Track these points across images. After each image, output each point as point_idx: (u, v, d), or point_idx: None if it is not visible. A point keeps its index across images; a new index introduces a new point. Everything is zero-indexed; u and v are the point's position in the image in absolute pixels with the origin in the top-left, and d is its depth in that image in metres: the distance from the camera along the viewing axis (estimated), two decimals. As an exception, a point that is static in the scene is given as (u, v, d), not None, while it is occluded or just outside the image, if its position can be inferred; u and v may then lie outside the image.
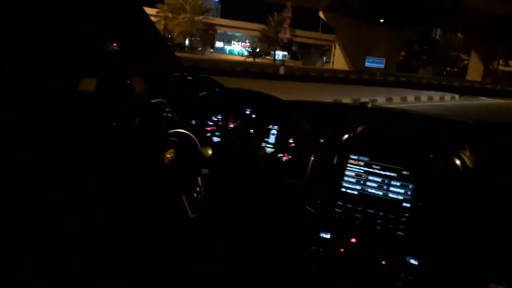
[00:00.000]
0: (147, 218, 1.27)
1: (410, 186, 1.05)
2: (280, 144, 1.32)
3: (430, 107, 10.95)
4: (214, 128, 1.39)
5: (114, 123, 1.27)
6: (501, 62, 38.23)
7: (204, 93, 1.41)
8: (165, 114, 1.34)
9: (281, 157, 1.31)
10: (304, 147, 1.25)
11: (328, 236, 1.08)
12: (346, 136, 1.17)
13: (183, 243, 1.32)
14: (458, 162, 1.04)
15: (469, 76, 36.25)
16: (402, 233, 1.02)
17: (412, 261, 1.00)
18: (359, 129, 1.25)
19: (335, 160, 1.14)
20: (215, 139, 1.38)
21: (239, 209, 1.29)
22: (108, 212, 1.25)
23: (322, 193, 1.13)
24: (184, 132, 1.22)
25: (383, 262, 1.01)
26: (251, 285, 1.23)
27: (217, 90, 1.42)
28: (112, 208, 1.26)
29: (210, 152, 1.23)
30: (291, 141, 1.30)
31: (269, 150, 1.33)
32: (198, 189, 1.26)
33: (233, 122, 1.37)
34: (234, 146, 1.34)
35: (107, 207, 1.26)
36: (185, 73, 1.41)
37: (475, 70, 36.93)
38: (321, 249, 1.07)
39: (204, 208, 1.27)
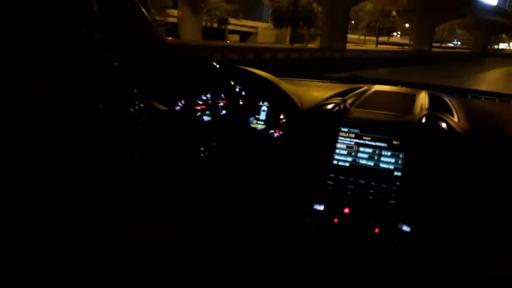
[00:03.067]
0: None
1: (401, 155, 1.06)
2: (271, 121, 1.31)
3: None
4: (204, 107, 1.38)
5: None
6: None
7: (192, 71, 1.38)
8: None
9: (272, 133, 1.31)
10: (295, 122, 1.25)
11: (321, 207, 1.09)
12: (336, 108, 1.18)
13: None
14: (445, 126, 1.05)
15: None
16: (393, 202, 1.04)
17: (405, 228, 1.03)
18: (348, 101, 1.25)
19: (326, 134, 1.14)
20: (206, 118, 1.37)
21: (233, 186, 1.29)
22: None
23: (314, 166, 1.14)
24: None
25: (376, 230, 1.03)
26: (246, 260, 1.25)
27: (205, 68, 1.40)
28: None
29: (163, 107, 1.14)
30: (282, 117, 1.30)
31: (260, 127, 1.33)
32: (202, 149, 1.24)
33: (223, 100, 1.36)
34: (225, 124, 1.34)
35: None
36: (170, 50, 1.37)
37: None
38: (315, 221, 1.09)
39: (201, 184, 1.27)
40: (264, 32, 37.86)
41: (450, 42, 71.23)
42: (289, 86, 1.35)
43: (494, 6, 46.96)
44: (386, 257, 1.01)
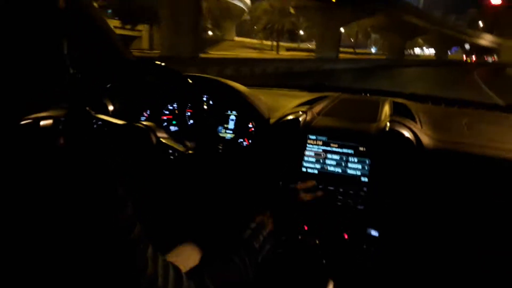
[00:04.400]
0: None
1: (367, 161, 1.09)
2: (239, 130, 1.31)
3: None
4: (171, 117, 1.35)
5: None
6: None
7: (156, 80, 1.36)
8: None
9: (241, 142, 1.30)
10: (264, 131, 1.25)
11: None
12: (304, 117, 1.19)
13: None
14: (407, 133, 1.09)
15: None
16: (361, 207, 1.06)
17: (373, 233, 1.05)
18: (316, 109, 1.27)
19: (294, 142, 1.15)
20: (172, 128, 1.34)
21: (201, 198, 1.27)
22: None
23: (283, 174, 1.14)
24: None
25: (346, 236, 1.04)
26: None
27: (171, 77, 1.38)
28: None
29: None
30: (250, 125, 1.29)
31: (229, 136, 1.31)
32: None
33: (189, 110, 1.34)
34: (193, 134, 1.31)
35: None
36: (134, 60, 1.34)
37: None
38: (285, 229, 1.08)
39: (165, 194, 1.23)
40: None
41: (366, 47, 67.86)
42: (257, 94, 1.36)
43: (407, 2, 41.48)
44: (356, 262, 1.02)
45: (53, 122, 1.03)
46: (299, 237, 1.06)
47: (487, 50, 71.82)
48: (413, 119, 1.22)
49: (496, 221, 1.00)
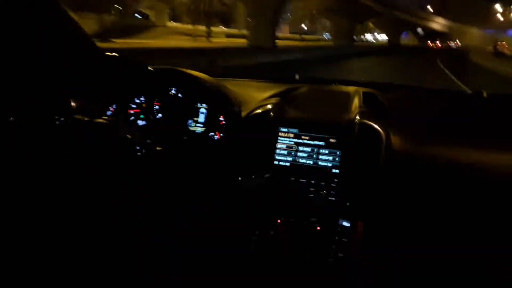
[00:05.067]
0: None
1: (338, 153, 1.09)
2: (210, 123, 1.28)
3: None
4: (138, 110, 1.30)
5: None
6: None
7: (122, 73, 1.30)
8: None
9: (212, 136, 1.27)
10: (235, 124, 1.22)
11: (264, 208, 1.09)
12: (275, 109, 1.18)
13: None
14: (377, 123, 1.10)
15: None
16: (333, 198, 1.07)
17: (345, 224, 1.06)
18: (286, 101, 1.26)
19: (265, 134, 1.14)
20: (140, 122, 1.29)
21: (173, 190, 1.24)
22: None
23: (255, 167, 1.13)
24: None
25: (318, 228, 1.05)
26: (193, 268, 1.20)
27: (137, 70, 1.32)
28: None
29: None
30: (221, 119, 1.27)
31: (199, 129, 1.28)
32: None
33: (157, 103, 1.29)
34: (161, 128, 1.27)
35: None
36: (102, 54, 1.28)
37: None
38: (259, 223, 1.07)
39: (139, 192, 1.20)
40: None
41: (316, 33, 56.86)
42: (228, 86, 1.33)
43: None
44: (330, 253, 1.03)
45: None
46: (272, 231, 1.06)
47: (440, 35, 65.79)
48: (383, 109, 1.24)
49: (463, 203, 1.04)
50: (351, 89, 1.41)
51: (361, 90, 1.39)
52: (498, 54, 28.89)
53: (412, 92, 1.59)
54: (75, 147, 1.08)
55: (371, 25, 60.71)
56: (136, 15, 31.63)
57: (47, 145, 1.08)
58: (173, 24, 36.35)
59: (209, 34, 28.95)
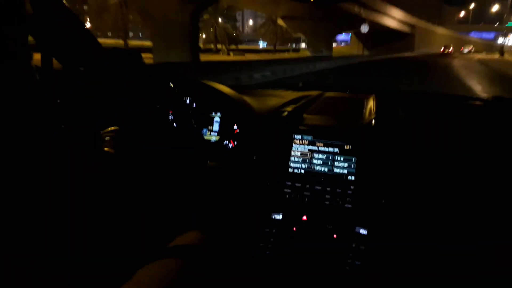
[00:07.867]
0: None
1: (353, 160, 1.08)
2: (224, 131, 1.29)
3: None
4: (151, 118, 1.31)
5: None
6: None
7: (137, 82, 1.32)
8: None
9: (227, 144, 1.28)
10: (250, 132, 1.23)
11: (279, 216, 1.08)
12: (289, 116, 1.18)
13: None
14: (392, 129, 1.09)
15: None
16: (349, 205, 1.05)
17: (362, 231, 1.04)
18: (300, 108, 1.26)
19: (280, 142, 1.14)
20: (153, 130, 1.31)
21: (191, 200, 1.24)
22: None
23: (270, 175, 1.13)
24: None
25: (335, 236, 1.04)
26: (208, 272, 1.20)
27: (151, 79, 1.35)
28: None
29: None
30: (235, 127, 1.28)
31: (214, 138, 1.29)
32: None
33: (171, 111, 1.31)
34: (176, 137, 1.29)
35: None
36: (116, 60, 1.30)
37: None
38: (274, 231, 1.07)
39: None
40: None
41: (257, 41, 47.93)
42: (242, 95, 1.34)
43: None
44: (347, 261, 1.02)
45: None
46: (288, 239, 1.05)
47: (400, 36, 43.08)
48: (398, 115, 1.23)
49: (490, 212, 1.01)
50: (365, 96, 1.40)
51: (376, 96, 1.38)
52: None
53: (429, 99, 1.57)
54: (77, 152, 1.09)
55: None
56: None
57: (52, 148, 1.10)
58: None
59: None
